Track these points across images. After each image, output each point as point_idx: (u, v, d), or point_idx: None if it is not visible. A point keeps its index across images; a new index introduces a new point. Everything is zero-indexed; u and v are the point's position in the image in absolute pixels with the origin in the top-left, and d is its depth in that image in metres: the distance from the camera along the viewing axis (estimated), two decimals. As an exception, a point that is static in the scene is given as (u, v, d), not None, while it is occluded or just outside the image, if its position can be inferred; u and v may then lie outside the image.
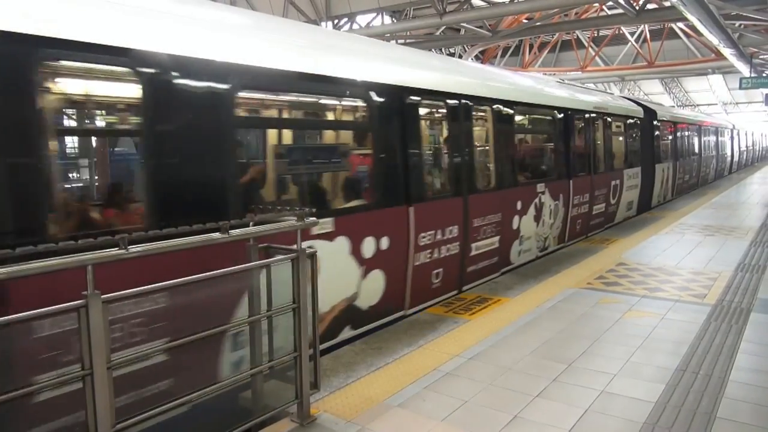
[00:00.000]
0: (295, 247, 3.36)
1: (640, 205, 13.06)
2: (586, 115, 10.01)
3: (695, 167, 19.18)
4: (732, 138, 27.54)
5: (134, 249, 2.59)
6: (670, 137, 15.82)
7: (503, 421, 3.48)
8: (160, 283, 2.82)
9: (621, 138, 11.97)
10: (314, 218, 3.46)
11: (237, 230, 3.10)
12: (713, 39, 14.39)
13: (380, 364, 4.35)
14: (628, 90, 38.81)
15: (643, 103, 14.47)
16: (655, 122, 14.06)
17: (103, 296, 2.46)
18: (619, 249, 8.73)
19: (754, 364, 4.30)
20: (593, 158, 10.20)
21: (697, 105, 43.71)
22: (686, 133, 17.72)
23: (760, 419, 3.45)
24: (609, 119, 11.05)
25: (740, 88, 20.63)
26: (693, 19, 11.97)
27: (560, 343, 4.79)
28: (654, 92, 41.69)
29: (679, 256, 8.07)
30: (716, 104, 44.54)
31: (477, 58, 24.01)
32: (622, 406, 3.63)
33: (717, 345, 4.65)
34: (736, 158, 29.22)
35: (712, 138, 22.34)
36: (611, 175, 11.06)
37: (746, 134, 33.82)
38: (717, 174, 23.45)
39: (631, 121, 12.42)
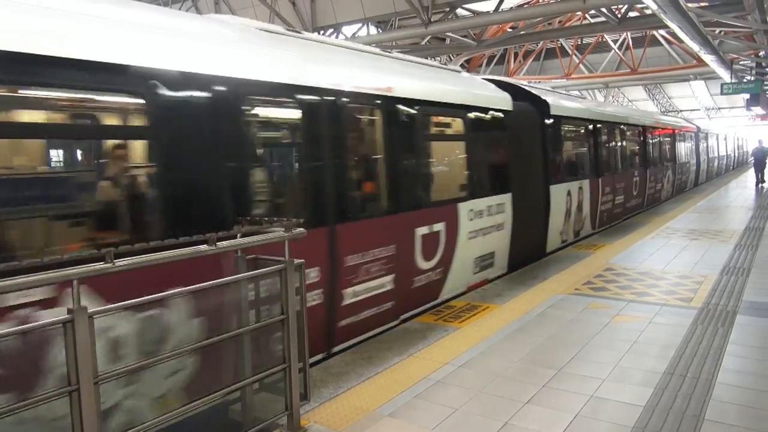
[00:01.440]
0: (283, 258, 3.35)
1: (516, 253, 7.93)
2: (320, 99, 4.77)
3: (637, 183, 13.96)
4: (697, 143, 22.56)
5: (121, 263, 2.58)
6: (586, 143, 11.09)
7: (494, 428, 3.48)
8: (147, 297, 2.81)
9: (449, 147, 6.97)
10: (302, 229, 3.46)
11: (224, 242, 3.10)
12: (694, 46, 14.63)
13: (370, 374, 4.34)
14: (612, 96, 39.27)
15: (524, 87, 9.59)
16: (547, 120, 9.13)
17: (89, 310, 2.44)
18: (606, 254, 8.79)
19: (740, 366, 4.35)
20: (348, 192, 5.08)
21: (680, 110, 44.30)
22: (617, 138, 12.85)
23: (747, 420, 3.49)
24: (402, 112, 5.69)
25: (721, 93, 20.95)
26: (674, 27, 12.16)
27: (549, 348, 4.81)
28: (638, 98, 42.27)
29: (665, 260, 8.15)
30: (699, 110, 45.22)
31: (462, 66, 24.19)
32: (612, 411, 3.65)
33: (704, 348, 4.70)
34: (703, 167, 24.01)
35: (667, 143, 17.59)
36: (418, 217, 5.84)
37: (717, 138, 28.58)
38: (676, 189, 18.59)
39: (478, 116, 7.10)
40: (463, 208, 6.64)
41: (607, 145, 12.11)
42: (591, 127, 11.23)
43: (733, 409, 3.65)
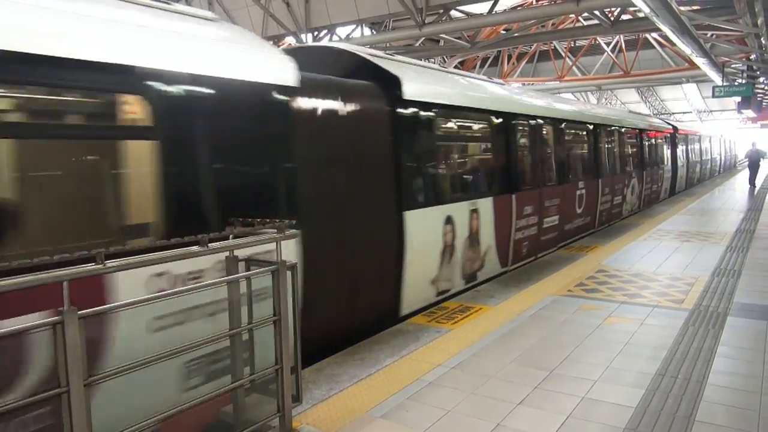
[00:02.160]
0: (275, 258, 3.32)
1: (319, 331, 4.58)
2: None
3: (583, 198, 10.60)
4: (674, 146, 19.28)
5: (111, 264, 2.56)
6: (490, 146, 7.84)
7: (486, 429, 3.48)
8: (138, 297, 2.79)
9: (97, 150, 3.43)
10: (294, 230, 3.45)
11: (216, 243, 3.08)
12: (686, 49, 14.70)
13: (363, 375, 4.34)
14: (606, 99, 39.50)
15: (366, 57, 6.01)
16: (400, 109, 5.72)
17: (79, 312, 2.42)
18: (598, 256, 8.82)
19: (731, 367, 4.38)
20: None
21: (673, 113, 44.64)
22: (548, 139, 9.33)
23: (737, 421, 3.51)
24: None
25: (713, 96, 21.09)
26: (666, 30, 12.22)
27: (542, 350, 4.82)
28: (631, 101, 42.53)
29: (657, 262, 8.19)
30: (691, 112, 45.60)
31: (456, 68, 24.24)
32: (603, 412, 3.66)
33: (695, 349, 4.72)
34: (681, 173, 20.55)
35: (631, 147, 14.37)
36: None
37: (700, 140, 24.89)
38: (645, 200, 15.47)
39: (200, 93, 3.57)
40: (132, 276, 2.99)
41: (527, 148, 8.57)
42: (499, 121, 7.69)
43: (723, 409, 3.67)
